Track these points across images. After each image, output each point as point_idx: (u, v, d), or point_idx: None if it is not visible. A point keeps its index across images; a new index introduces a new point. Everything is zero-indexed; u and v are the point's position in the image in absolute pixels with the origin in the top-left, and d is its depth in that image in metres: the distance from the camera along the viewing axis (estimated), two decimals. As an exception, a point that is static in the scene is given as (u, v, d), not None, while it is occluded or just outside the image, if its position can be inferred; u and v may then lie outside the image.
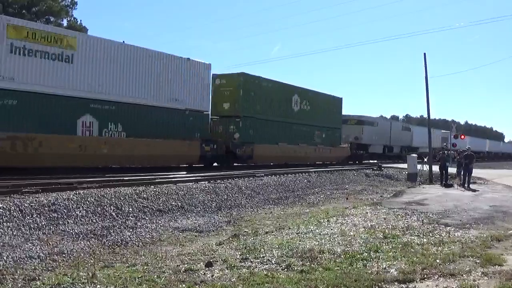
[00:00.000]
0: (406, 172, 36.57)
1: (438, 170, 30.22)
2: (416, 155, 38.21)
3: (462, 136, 51.39)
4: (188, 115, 28.62)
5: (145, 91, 26.19)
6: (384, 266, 8.33)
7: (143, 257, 10.58)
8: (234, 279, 7.61)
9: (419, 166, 36.19)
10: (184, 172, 25.62)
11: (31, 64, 21.20)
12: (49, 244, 11.37)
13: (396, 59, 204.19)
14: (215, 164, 31.82)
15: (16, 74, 20.65)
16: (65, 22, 49.38)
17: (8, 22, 20.81)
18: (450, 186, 27.57)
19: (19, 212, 12.70)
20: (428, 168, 34.29)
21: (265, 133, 35.39)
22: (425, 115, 37.75)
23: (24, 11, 45.15)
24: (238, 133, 33.00)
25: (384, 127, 60.25)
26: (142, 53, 26.05)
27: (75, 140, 22.67)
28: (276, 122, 36.64)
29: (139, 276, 7.92)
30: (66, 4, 49.83)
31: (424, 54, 35.88)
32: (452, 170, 30.62)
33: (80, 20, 50.65)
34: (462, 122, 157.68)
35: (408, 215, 14.82)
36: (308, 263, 8.53)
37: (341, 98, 47.07)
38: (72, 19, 50.17)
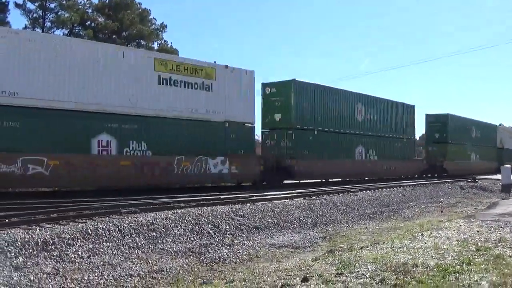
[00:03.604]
0: (501, 183, 35.33)
1: None
2: (510, 166, 36.79)
3: None
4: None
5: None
6: (475, 279, 7.92)
7: (240, 273, 10.52)
8: (329, 293, 7.44)
9: None
10: (274, 190, 25.39)
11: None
12: (149, 262, 11.52)
13: (487, 67, 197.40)
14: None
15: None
16: (156, 45, 50.78)
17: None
18: None
19: (119, 232, 12.97)
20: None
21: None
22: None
23: (114, 36, 46.70)
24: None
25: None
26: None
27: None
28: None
29: (237, 291, 7.88)
30: (156, 27, 51.19)
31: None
32: None
33: (171, 43, 51.89)
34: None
35: (501, 227, 14.05)
36: (401, 276, 8.22)
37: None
38: (163, 42, 51.50)
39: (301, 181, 31.23)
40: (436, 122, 48.49)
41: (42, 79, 19.75)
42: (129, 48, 23.23)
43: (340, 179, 34.63)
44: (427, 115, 49.06)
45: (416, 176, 43.62)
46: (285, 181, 30.64)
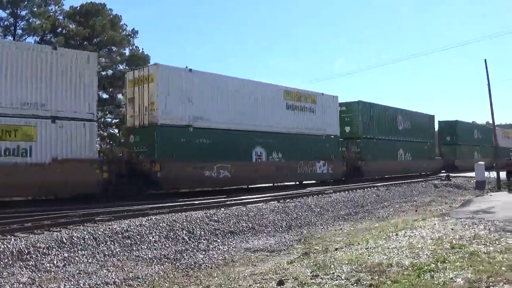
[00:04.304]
0: (474, 181, 35.82)
1: (505, 177, 29.69)
2: (483, 163, 37.49)
3: None
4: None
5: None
6: (451, 276, 8.10)
7: (216, 278, 10.59)
8: (304, 296, 7.55)
9: (486, 174, 35.44)
10: (250, 194, 25.59)
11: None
12: (124, 269, 11.54)
13: (459, 66, 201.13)
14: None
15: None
16: (127, 51, 50.49)
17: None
18: None
19: (93, 240, 12.97)
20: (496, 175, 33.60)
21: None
22: (491, 121, 37.34)
23: (86, 42, 46.30)
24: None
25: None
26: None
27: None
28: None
29: (213, 297, 7.93)
30: (127, 33, 50.88)
31: (485, 60, 35.53)
32: None
33: (142, 49, 51.63)
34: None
35: (475, 224, 14.35)
36: (376, 277, 8.37)
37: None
38: (134, 47, 51.23)
39: (367, 178, 39.51)
40: (447, 127, 60.31)
41: (222, 109, 27.88)
42: (268, 83, 32.21)
43: (390, 176, 42.63)
44: (440, 122, 60.54)
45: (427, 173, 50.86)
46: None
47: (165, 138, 24.62)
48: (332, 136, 36.90)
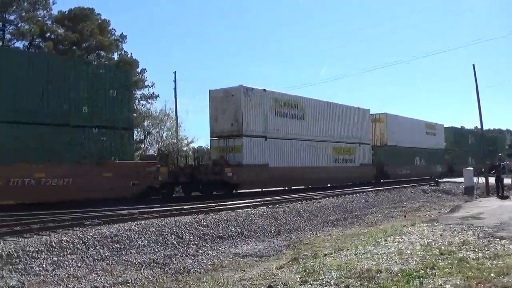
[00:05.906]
0: (463, 186, 35.80)
1: (494, 182, 29.77)
2: (472, 168, 37.54)
3: None
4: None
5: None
6: (440, 283, 8.12)
7: (205, 283, 10.59)
8: (293, 302, 7.56)
9: (475, 179, 35.53)
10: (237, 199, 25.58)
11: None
12: (113, 274, 11.53)
13: (447, 71, 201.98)
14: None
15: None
16: (115, 56, 50.26)
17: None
18: (506, 198, 26.90)
19: (83, 244, 12.97)
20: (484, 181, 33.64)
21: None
22: (479, 126, 38.04)
23: (74, 47, 46.06)
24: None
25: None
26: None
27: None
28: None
29: (203, 301, 7.93)
30: (115, 38, 50.64)
31: (473, 65, 35.88)
32: (508, 181, 30.01)
33: (131, 53, 51.28)
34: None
35: (464, 230, 14.38)
36: (366, 283, 8.39)
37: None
38: (123, 52, 50.99)
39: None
40: (490, 139, 74.64)
41: (404, 135, 48.17)
42: (419, 120, 54.48)
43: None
44: (485, 135, 74.92)
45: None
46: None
47: (388, 153, 45.85)
48: (441, 149, 59.01)
